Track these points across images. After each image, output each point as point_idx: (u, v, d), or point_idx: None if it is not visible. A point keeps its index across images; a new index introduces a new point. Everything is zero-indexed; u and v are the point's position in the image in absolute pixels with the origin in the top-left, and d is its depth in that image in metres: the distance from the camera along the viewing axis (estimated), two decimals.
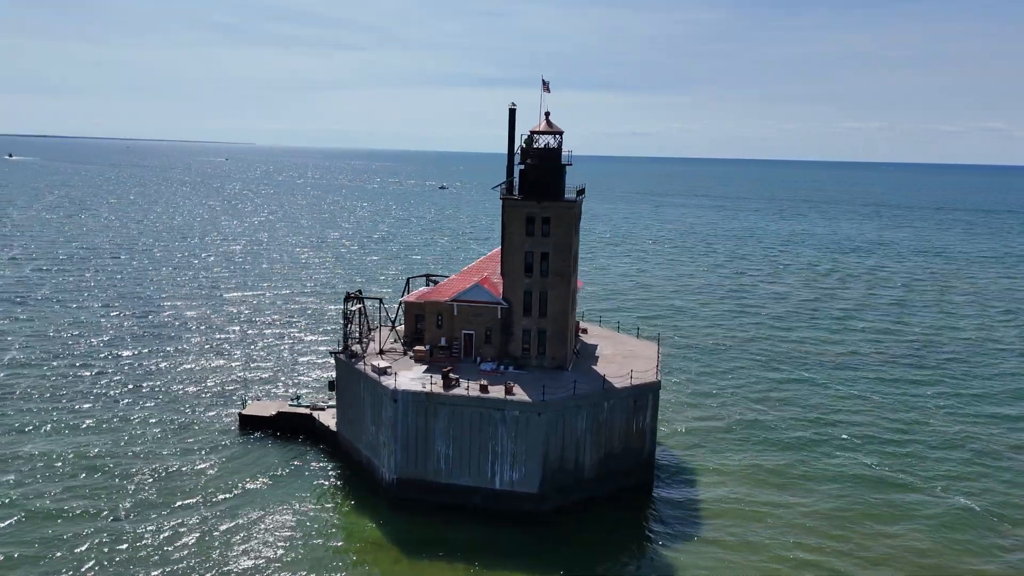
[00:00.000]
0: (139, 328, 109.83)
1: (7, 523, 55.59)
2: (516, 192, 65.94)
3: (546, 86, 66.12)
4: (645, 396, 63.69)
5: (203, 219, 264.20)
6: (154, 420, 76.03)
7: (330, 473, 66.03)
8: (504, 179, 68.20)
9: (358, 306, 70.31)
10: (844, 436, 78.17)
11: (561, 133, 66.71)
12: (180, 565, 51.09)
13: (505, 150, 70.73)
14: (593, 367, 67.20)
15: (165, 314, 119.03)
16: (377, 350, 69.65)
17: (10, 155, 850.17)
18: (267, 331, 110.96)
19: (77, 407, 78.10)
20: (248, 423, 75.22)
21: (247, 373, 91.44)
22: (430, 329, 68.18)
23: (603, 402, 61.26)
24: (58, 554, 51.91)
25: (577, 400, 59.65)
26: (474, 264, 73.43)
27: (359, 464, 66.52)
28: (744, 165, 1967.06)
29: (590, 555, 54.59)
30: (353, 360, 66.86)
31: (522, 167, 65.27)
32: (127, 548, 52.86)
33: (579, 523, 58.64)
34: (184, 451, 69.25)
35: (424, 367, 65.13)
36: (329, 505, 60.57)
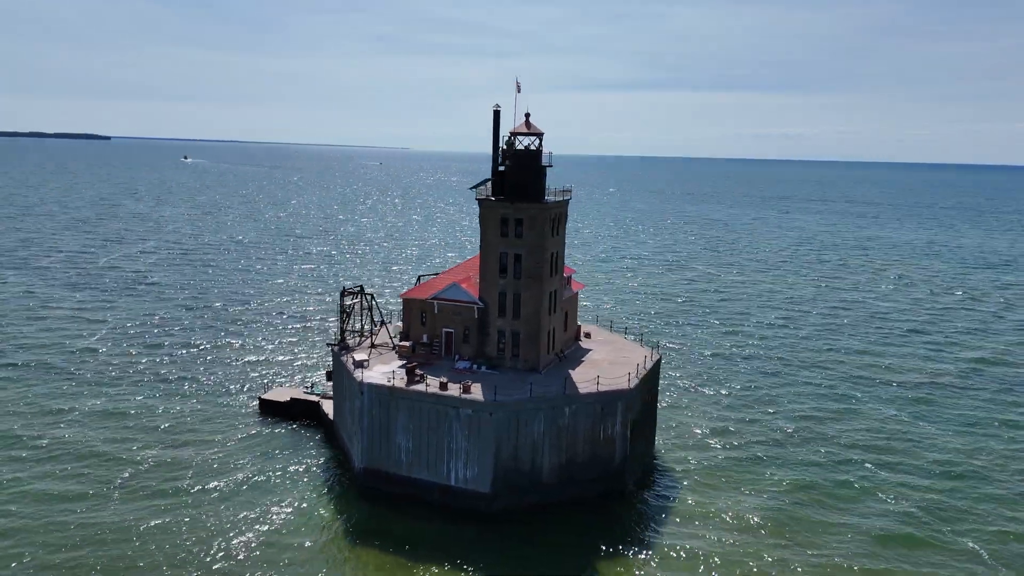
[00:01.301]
0: (214, 317, 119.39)
1: (38, 484, 63.10)
2: (496, 193, 66.32)
3: (518, 87, 66.11)
4: (613, 403, 62.12)
5: (316, 217, 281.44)
6: (190, 398, 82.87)
7: (319, 458, 69.32)
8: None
9: (355, 300, 73.47)
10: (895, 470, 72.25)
11: (541, 135, 66.46)
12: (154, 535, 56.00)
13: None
14: (571, 371, 66.38)
15: (238, 306, 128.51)
16: (369, 344, 72.40)
17: (185, 157, 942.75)
18: (313, 322, 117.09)
19: (135, 381, 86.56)
20: (267, 407, 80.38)
21: (285, 359, 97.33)
22: (415, 326, 70.04)
23: (564, 407, 60.44)
24: (85, 511, 58.40)
25: (534, 403, 59.31)
26: (468, 261, 74.32)
27: (344, 451, 69.51)
28: (902, 169, 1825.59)
29: (548, 556, 54.23)
30: (343, 352, 69.97)
31: (502, 168, 65.62)
32: (131, 506, 58.62)
33: (543, 524, 58.33)
34: (204, 427, 75.05)
35: (403, 362, 67.05)
36: (305, 489, 63.57)
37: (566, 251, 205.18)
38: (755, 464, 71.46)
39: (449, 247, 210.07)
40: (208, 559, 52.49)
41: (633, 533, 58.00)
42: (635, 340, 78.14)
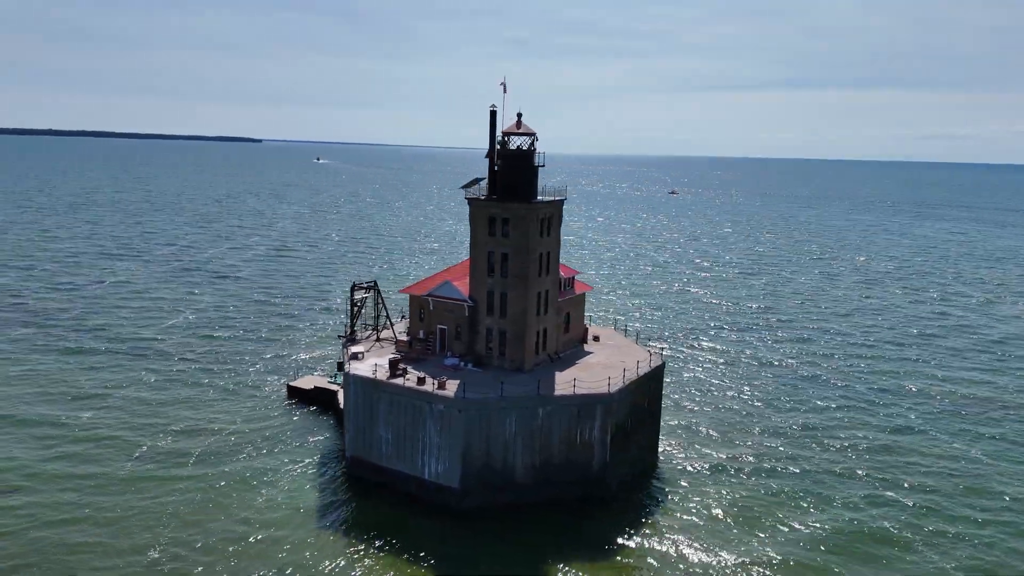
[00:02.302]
0: (280, 309, 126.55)
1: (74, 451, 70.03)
2: (491, 193, 66.78)
3: (504, 87, 66.06)
4: (592, 407, 61.04)
5: (413, 216, 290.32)
6: (231, 380, 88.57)
7: (323, 445, 72.28)
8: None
9: (365, 295, 76.14)
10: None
11: (533, 134, 66.27)
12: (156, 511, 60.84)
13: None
14: (558, 372, 65.77)
15: (307, 300, 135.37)
16: (375, 338, 74.82)
17: (318, 159, 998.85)
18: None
19: (186, 363, 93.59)
20: (293, 393, 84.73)
21: (326, 350, 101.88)
22: (414, 321, 71.69)
23: (537, 407, 60.03)
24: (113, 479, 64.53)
25: (504, 402, 59.32)
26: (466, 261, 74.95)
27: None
28: None
29: (517, 556, 54.08)
30: (347, 345, 72.76)
31: (495, 168, 66.04)
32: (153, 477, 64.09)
33: (515, 524, 58.10)
34: (233, 408, 80.00)
35: (399, 356, 68.83)
36: (300, 472, 66.37)
37: (590, 252, 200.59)
38: (757, 482, 68.06)
39: None
40: (180, 530, 56.26)
41: (606, 538, 56.58)
42: (652, 345, 76.18)
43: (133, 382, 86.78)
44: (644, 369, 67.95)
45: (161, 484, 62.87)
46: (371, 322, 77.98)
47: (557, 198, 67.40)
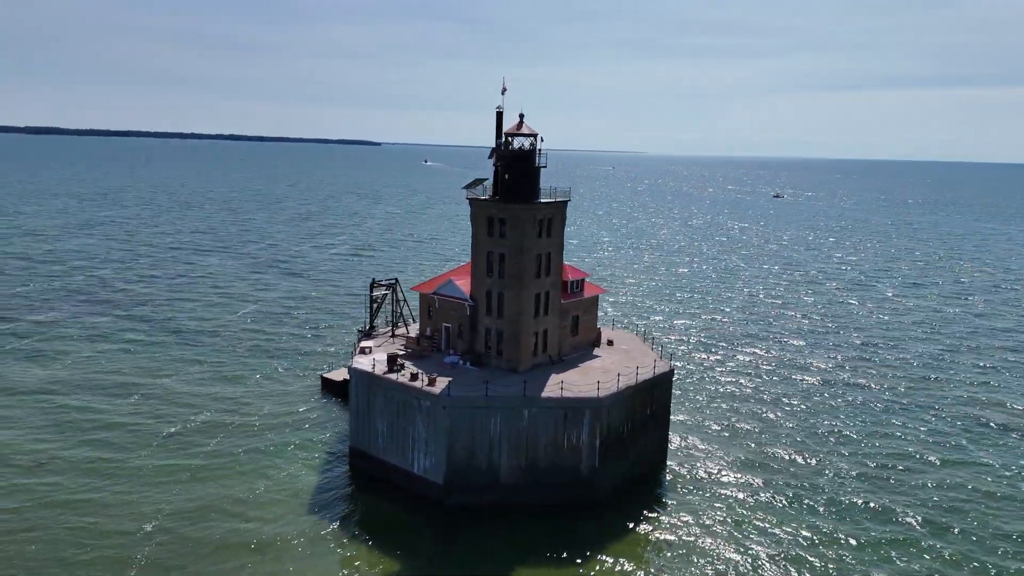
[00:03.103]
0: (338, 303, 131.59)
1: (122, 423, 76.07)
2: (495, 193, 67.11)
3: (503, 88, 65.91)
4: (580, 412, 60.24)
5: None
6: (268, 372, 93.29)
7: (338, 436, 74.90)
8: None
9: (385, 292, 78.25)
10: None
11: (536, 135, 66.04)
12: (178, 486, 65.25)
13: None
14: (554, 374, 65.24)
15: (357, 296, 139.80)
16: (391, 334, 76.73)
17: (426, 161, 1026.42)
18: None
19: (244, 351, 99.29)
20: (327, 385, 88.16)
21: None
22: (423, 319, 73.02)
23: (522, 409, 59.87)
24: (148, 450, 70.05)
25: (488, 402, 59.54)
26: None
27: None
28: None
29: (497, 556, 54.38)
30: (362, 339, 75.07)
31: (496, 168, 66.35)
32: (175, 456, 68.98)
33: (498, 523, 58.30)
34: (263, 399, 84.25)
35: (405, 351, 70.40)
36: (308, 459, 69.22)
37: (657, 255, 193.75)
38: (763, 500, 65.07)
39: (590, 249, 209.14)
40: (178, 505, 59.98)
41: (589, 546, 55.57)
42: (676, 353, 74.18)
43: (180, 370, 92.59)
44: (647, 375, 66.32)
45: (175, 468, 67.05)
46: (392, 319, 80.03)
47: (558, 199, 66.86)
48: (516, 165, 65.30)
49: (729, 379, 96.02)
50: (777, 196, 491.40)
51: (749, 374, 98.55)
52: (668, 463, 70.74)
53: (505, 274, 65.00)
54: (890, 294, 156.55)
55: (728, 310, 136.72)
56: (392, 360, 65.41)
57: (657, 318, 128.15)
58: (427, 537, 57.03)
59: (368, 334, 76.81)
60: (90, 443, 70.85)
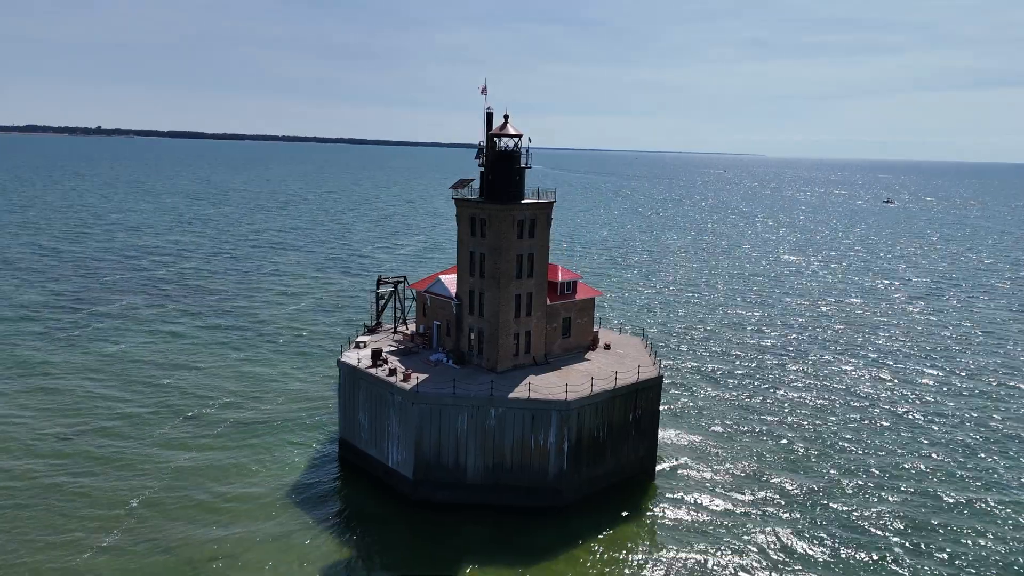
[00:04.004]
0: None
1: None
2: (480, 193, 67.62)
3: (484, 89, 65.94)
4: (546, 414, 59.76)
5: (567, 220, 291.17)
6: (298, 362, 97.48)
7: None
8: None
9: (389, 289, 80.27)
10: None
11: (520, 136, 65.96)
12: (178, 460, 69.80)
13: None
14: (532, 376, 64.93)
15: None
16: (392, 330, 78.62)
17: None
18: None
19: (281, 342, 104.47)
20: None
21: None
22: (419, 316, 74.42)
23: (488, 408, 60.05)
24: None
25: (454, 400, 60.07)
26: None
27: None
28: None
29: (458, 554, 55.07)
30: (364, 334, 77.36)
31: (481, 168, 66.82)
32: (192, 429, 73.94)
33: (464, 522, 58.96)
34: (282, 387, 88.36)
35: (397, 346, 72.04)
36: (304, 448, 72.37)
37: (728, 260, 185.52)
38: (751, 518, 62.35)
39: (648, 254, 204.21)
40: (166, 480, 63.97)
41: (549, 550, 55.29)
42: (679, 359, 72.30)
43: (221, 357, 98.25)
44: (628, 380, 64.93)
45: (179, 443, 71.55)
46: (395, 316, 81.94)
47: (542, 200, 66.52)
48: (499, 166, 65.53)
49: (746, 394, 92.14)
50: (888, 202, 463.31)
51: (767, 392, 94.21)
52: (657, 473, 68.96)
53: (485, 274, 65.39)
54: (976, 311, 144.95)
55: (776, 323, 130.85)
56: (376, 355, 67.10)
57: (700, 327, 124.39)
58: (394, 530, 58.22)
59: (373, 330, 79.03)
60: (115, 418, 76.49)
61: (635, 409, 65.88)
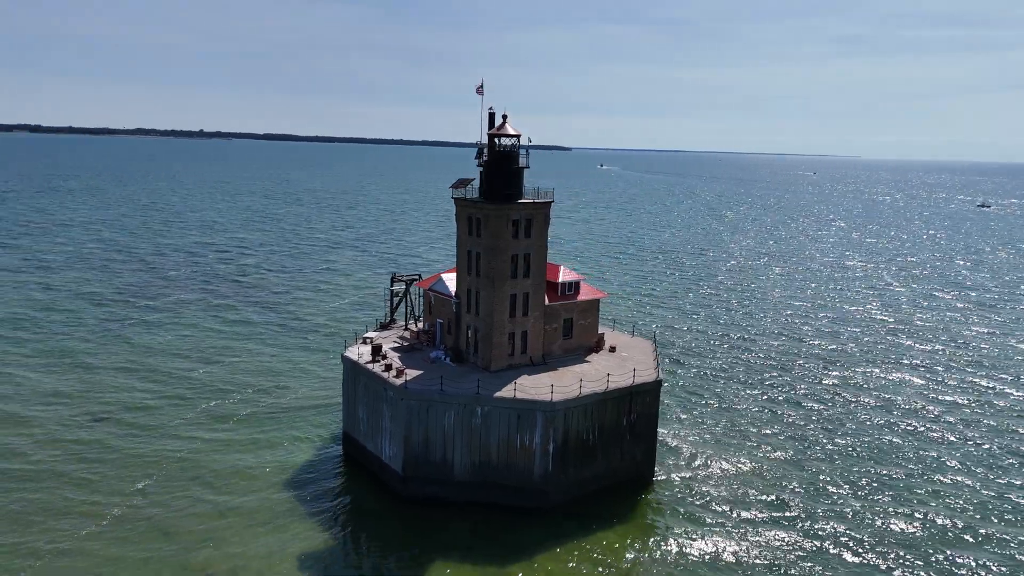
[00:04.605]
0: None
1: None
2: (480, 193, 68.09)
3: (481, 89, 66.04)
4: (531, 414, 59.71)
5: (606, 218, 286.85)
6: (320, 357, 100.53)
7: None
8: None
9: (402, 287, 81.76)
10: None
11: (519, 136, 66.03)
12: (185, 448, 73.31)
13: None
14: (525, 376, 64.93)
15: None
16: (403, 327, 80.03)
17: (601, 165, 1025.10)
18: None
19: (298, 339, 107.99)
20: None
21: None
22: (426, 313, 75.50)
23: (475, 406, 60.45)
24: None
25: (441, 397, 60.72)
26: None
27: None
28: None
29: (440, 550, 55.76)
30: (377, 330, 79.09)
31: (480, 168, 67.29)
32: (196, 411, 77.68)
33: (451, 519, 59.59)
34: (310, 380, 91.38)
35: (401, 343, 73.36)
36: (308, 441, 74.65)
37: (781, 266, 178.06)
38: (741, 525, 60.55)
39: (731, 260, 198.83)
40: (176, 468, 67.11)
41: (531, 552, 55.26)
42: (688, 364, 71.00)
43: (251, 351, 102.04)
44: (622, 383, 64.08)
45: (197, 427, 75.00)
46: (406, 313, 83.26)
47: (540, 200, 66.40)
48: (497, 165, 65.86)
49: (765, 406, 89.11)
50: (984, 206, 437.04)
51: (790, 403, 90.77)
52: (655, 478, 67.73)
53: (481, 273, 65.84)
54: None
55: (822, 332, 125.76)
56: (376, 350, 68.56)
57: (737, 334, 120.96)
58: (383, 523, 59.30)
59: (386, 326, 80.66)
60: (136, 409, 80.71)
61: (630, 413, 64.93)
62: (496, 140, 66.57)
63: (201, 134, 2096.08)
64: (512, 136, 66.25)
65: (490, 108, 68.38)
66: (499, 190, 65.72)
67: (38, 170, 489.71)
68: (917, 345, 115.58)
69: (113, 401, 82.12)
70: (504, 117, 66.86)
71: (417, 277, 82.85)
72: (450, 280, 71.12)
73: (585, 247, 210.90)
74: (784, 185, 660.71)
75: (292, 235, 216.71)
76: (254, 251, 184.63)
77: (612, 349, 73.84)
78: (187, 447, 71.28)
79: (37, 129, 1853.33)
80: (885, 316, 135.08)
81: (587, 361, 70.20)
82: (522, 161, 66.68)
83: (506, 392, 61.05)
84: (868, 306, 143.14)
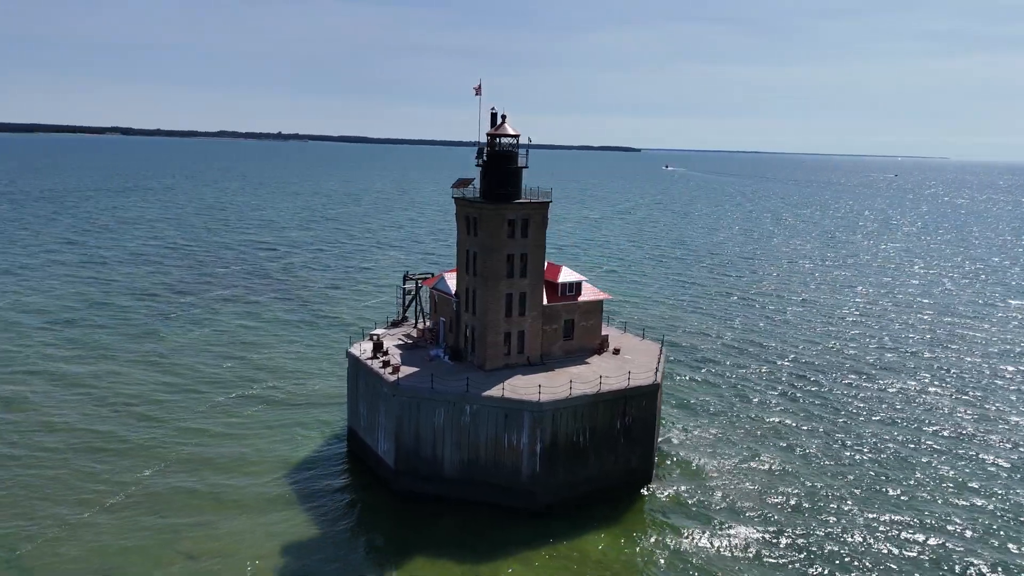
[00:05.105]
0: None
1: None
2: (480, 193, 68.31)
3: (478, 89, 65.96)
4: (518, 413, 59.59)
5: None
6: (329, 343, 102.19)
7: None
8: None
9: (413, 285, 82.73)
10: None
11: (517, 136, 65.96)
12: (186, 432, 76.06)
13: None
14: (519, 375, 64.79)
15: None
16: (415, 324, 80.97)
17: (667, 166, 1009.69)
18: None
19: (317, 334, 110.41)
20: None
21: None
22: (432, 311, 76.19)
23: (463, 404, 60.71)
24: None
25: (431, 395, 61.22)
26: None
27: None
28: None
29: (427, 546, 56.32)
30: (388, 328, 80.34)
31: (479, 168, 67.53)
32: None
33: (442, 515, 60.10)
34: (311, 368, 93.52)
35: (406, 341, 74.28)
36: (313, 435, 76.36)
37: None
38: (736, 535, 58.96)
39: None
40: (180, 454, 69.64)
41: (514, 552, 55.32)
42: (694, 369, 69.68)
43: (278, 346, 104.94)
44: (615, 386, 63.25)
45: (209, 418, 77.69)
46: (416, 311, 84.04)
47: (538, 200, 66.14)
48: (495, 165, 66.00)
49: (778, 415, 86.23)
50: None
51: (801, 415, 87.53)
52: (652, 483, 66.53)
53: (477, 272, 66.08)
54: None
55: (858, 341, 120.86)
56: (377, 347, 69.65)
57: (766, 341, 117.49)
58: (375, 516, 60.32)
59: (397, 324, 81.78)
60: (152, 402, 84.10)
61: (624, 416, 64.00)
62: (497, 140, 66.73)
63: (279, 136, 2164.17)
64: (511, 136, 66.28)
65: (492, 108, 68.63)
66: (496, 190, 65.84)
67: (128, 171, 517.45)
68: (965, 358, 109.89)
69: (133, 393, 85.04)
70: (503, 117, 66.97)
71: (427, 276, 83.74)
72: (452, 279, 71.63)
73: (629, 250, 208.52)
74: (856, 188, 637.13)
75: (343, 234, 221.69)
76: (302, 250, 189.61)
77: (616, 351, 72.92)
78: (195, 439, 73.29)
79: (128, 132, 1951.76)
80: (933, 328, 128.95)
81: (587, 363, 69.55)
82: (521, 161, 66.63)
83: (495, 391, 61.11)
84: (919, 315, 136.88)
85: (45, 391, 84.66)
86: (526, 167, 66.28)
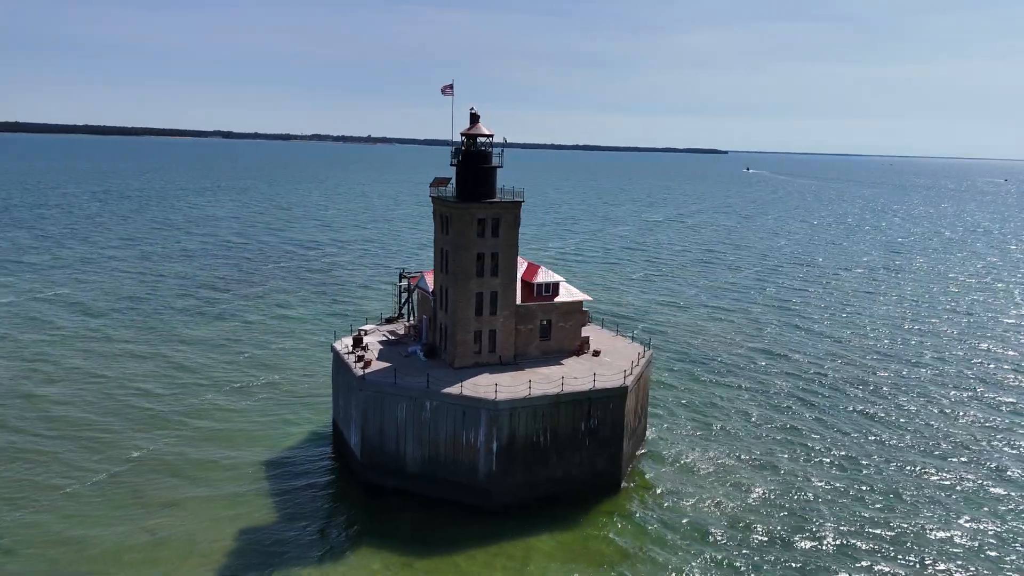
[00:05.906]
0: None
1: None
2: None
3: (450, 89, 66.11)
4: (476, 411, 59.84)
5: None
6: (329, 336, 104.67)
7: None
8: None
9: (406, 283, 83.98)
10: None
11: (491, 136, 66.11)
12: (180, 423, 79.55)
13: None
14: (486, 374, 64.93)
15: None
16: (407, 321, 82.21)
17: (747, 168, 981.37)
18: None
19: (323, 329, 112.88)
20: None
21: None
22: (418, 309, 77.23)
23: (424, 400, 61.36)
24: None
25: (395, 389, 62.14)
26: None
27: None
28: None
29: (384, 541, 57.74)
30: (381, 325, 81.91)
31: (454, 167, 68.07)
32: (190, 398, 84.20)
33: (405, 508, 61.18)
34: (319, 364, 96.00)
35: (389, 337, 75.55)
36: (302, 429, 78.52)
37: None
38: (708, 543, 57.40)
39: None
40: (165, 441, 72.87)
41: (465, 549, 55.81)
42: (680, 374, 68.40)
43: (286, 344, 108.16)
44: (579, 387, 62.57)
45: (197, 412, 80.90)
46: (407, 309, 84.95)
47: (510, 199, 66.11)
48: (468, 165, 66.43)
49: (777, 427, 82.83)
50: None
51: (804, 430, 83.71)
52: (622, 486, 65.34)
53: (449, 270, 66.65)
54: None
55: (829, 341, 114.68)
56: (357, 342, 71.18)
57: (779, 349, 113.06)
58: (341, 508, 61.80)
59: (391, 321, 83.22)
60: (159, 392, 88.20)
61: (588, 417, 63.23)
62: (472, 140, 67.18)
63: (369, 139, 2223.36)
64: (485, 136, 66.58)
65: (471, 108, 69.09)
66: (469, 189, 66.27)
67: (222, 171, 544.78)
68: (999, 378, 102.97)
69: (135, 383, 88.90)
70: (477, 117, 67.35)
71: (421, 275, 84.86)
72: (431, 278, 72.45)
73: (674, 254, 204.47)
74: (960, 193, 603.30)
75: (395, 236, 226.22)
76: (350, 249, 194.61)
77: (596, 353, 72.04)
78: (180, 433, 75.34)
79: (228, 135, 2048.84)
80: (979, 343, 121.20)
81: (561, 364, 69.04)
82: (495, 160, 66.83)
83: (454, 388, 61.54)
84: (975, 331, 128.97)
85: (44, 382, 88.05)
86: (500, 167, 66.45)
